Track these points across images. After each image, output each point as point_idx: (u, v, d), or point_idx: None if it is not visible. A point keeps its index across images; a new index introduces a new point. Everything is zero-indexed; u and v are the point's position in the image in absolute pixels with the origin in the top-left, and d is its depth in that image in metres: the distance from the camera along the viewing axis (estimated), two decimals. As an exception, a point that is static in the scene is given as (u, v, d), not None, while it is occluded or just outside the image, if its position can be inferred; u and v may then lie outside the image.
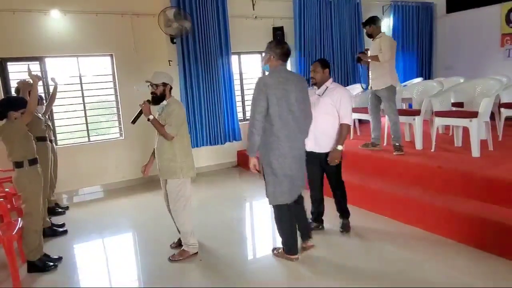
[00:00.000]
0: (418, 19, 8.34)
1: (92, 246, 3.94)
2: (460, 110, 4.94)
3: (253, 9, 6.62)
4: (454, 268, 2.96)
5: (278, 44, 3.04)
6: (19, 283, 3.06)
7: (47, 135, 4.34)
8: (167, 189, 3.31)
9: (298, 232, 3.29)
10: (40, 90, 5.06)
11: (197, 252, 3.43)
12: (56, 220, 4.46)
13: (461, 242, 3.30)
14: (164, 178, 3.32)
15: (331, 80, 3.51)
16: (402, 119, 5.03)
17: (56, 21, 5.26)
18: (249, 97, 6.76)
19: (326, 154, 3.45)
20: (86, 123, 5.69)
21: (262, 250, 3.60)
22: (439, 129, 5.55)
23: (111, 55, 5.73)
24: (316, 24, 7.14)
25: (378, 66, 4.57)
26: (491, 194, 3.50)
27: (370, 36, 4.69)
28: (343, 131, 3.40)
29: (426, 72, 8.54)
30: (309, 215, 3.83)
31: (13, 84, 4.89)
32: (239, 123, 6.62)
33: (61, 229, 4.18)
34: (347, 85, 7.31)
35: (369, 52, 4.77)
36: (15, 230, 3.19)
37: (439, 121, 4.67)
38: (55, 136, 5.32)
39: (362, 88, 5.15)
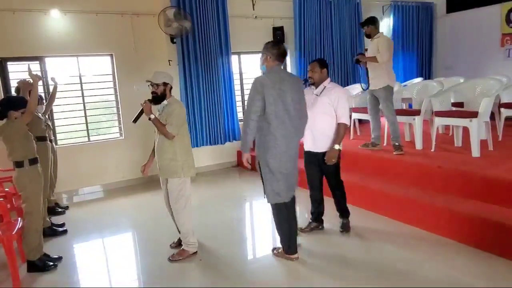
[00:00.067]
0: (418, 19, 8.35)
1: (92, 246, 3.94)
2: (460, 110, 4.94)
3: (253, 9, 6.62)
4: (454, 268, 2.96)
5: (274, 45, 3.08)
6: (19, 283, 3.06)
7: (47, 135, 4.35)
8: (168, 188, 3.32)
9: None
10: (40, 89, 5.06)
11: (196, 252, 3.43)
12: (56, 220, 4.46)
13: (461, 242, 3.30)
14: (165, 177, 3.32)
15: (328, 79, 3.53)
16: (402, 119, 5.04)
17: (56, 21, 5.26)
18: (249, 97, 6.75)
19: (324, 154, 3.46)
20: (86, 123, 5.69)
21: (262, 250, 3.60)
22: (439, 129, 5.55)
23: (111, 55, 5.73)
24: (316, 24, 7.14)
25: (375, 66, 4.60)
26: (491, 194, 3.49)
27: (369, 36, 4.73)
28: (340, 130, 3.41)
29: (426, 72, 8.54)
30: (309, 215, 3.86)
31: (13, 84, 4.89)
32: (239, 123, 6.61)
33: (61, 229, 4.18)
34: (347, 85, 7.31)
35: (367, 52, 4.79)
36: (15, 230, 3.19)
37: (439, 121, 4.67)
38: (55, 136, 5.32)
39: (363, 88, 5.15)
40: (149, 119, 3.17)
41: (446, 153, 4.54)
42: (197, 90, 6.15)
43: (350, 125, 5.95)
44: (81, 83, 5.58)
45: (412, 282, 2.80)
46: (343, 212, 3.73)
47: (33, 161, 3.29)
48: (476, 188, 3.60)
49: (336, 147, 3.39)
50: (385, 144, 5.20)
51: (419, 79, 7.31)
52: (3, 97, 4.81)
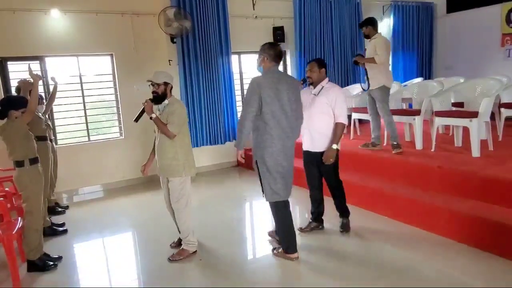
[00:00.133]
0: (418, 19, 8.35)
1: (92, 245, 3.94)
2: (460, 110, 4.94)
3: (253, 9, 6.62)
4: (454, 268, 2.96)
5: (271, 46, 3.11)
6: (19, 283, 3.06)
7: (47, 135, 4.35)
8: (169, 187, 3.32)
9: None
10: (40, 89, 5.06)
11: (196, 251, 3.44)
12: (56, 219, 4.46)
13: (461, 242, 3.30)
14: (165, 176, 3.32)
15: (327, 79, 3.54)
16: (403, 119, 5.04)
17: (56, 21, 5.26)
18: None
19: (322, 154, 3.46)
20: (86, 123, 5.69)
21: (262, 250, 3.60)
22: (439, 129, 5.55)
23: (111, 55, 5.73)
24: (316, 24, 7.13)
25: (372, 67, 4.65)
26: (491, 194, 3.49)
27: (367, 36, 4.77)
28: (338, 130, 3.42)
29: (426, 72, 8.54)
30: (309, 215, 3.86)
31: (14, 84, 4.90)
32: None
33: (61, 229, 4.19)
34: (347, 85, 7.31)
35: (366, 53, 4.82)
36: (15, 229, 3.19)
37: (439, 121, 4.67)
38: (55, 136, 5.33)
39: (363, 89, 5.16)
40: (151, 118, 3.19)
41: (446, 153, 4.54)
42: (197, 90, 6.15)
43: (350, 125, 5.96)
44: (81, 82, 5.58)
45: (412, 282, 2.80)
46: (343, 212, 3.73)
47: (34, 161, 3.29)
48: (476, 188, 3.60)
49: (334, 146, 3.40)
50: (385, 144, 5.20)
51: (419, 79, 7.31)
52: (3, 96, 4.81)
